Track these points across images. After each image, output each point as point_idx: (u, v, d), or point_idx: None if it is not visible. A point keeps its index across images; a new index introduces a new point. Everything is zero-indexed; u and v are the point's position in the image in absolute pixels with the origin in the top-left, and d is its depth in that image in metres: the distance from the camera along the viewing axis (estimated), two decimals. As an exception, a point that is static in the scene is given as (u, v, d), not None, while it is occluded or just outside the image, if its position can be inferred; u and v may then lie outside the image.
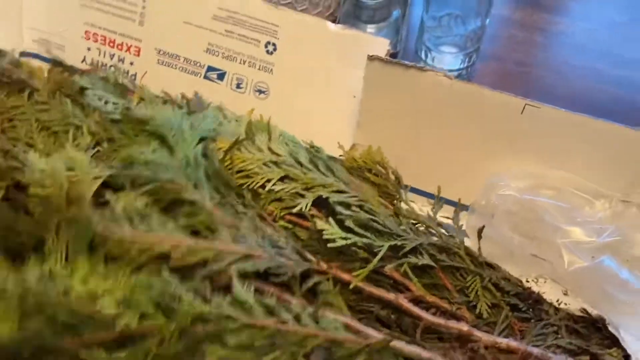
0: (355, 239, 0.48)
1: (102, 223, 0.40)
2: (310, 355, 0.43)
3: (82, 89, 0.55)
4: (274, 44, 0.66)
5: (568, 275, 0.51)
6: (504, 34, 0.84)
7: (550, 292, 0.53)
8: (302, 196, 0.52)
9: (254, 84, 0.67)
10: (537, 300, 0.51)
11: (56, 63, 0.62)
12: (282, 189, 0.51)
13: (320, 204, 0.52)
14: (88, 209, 0.41)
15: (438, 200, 0.53)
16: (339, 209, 0.50)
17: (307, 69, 0.65)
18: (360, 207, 0.51)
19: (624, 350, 0.48)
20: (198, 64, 0.69)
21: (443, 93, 0.56)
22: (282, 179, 0.52)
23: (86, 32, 0.72)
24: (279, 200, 0.52)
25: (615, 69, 0.79)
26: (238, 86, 0.68)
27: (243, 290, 0.42)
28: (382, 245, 0.49)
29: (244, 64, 0.67)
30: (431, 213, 0.53)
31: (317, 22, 0.65)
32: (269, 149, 0.53)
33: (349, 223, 0.49)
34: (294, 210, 0.52)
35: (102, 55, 0.72)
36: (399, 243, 0.49)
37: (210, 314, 0.41)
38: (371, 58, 0.56)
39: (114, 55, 0.72)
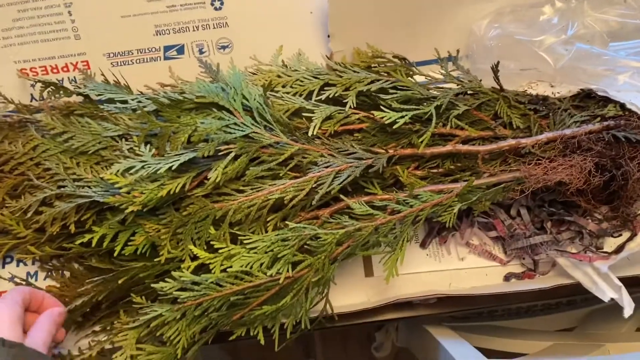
0: (408, 113, 0.57)
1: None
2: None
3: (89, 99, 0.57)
4: (219, -1, 0.69)
5: (556, 71, 0.64)
6: None
7: (543, 90, 0.65)
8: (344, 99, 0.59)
9: (215, 43, 0.71)
10: (544, 99, 0.63)
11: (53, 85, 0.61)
12: (329, 93, 0.58)
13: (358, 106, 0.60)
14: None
15: (443, 59, 0.62)
16: (382, 96, 0.58)
17: (259, 6, 0.69)
18: (395, 88, 0.59)
19: (616, 102, 0.62)
20: (153, 49, 0.70)
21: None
22: (321, 88, 0.59)
23: (21, 70, 0.70)
24: (329, 118, 0.59)
25: None
26: (201, 52, 0.71)
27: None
28: (429, 111, 0.58)
29: (197, 29, 0.70)
30: (442, 71, 0.62)
31: (251, -42, 0.69)
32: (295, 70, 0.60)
33: (395, 105, 0.57)
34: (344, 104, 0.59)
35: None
36: (438, 103, 0.58)
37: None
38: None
39: (62, 80, 0.71)
